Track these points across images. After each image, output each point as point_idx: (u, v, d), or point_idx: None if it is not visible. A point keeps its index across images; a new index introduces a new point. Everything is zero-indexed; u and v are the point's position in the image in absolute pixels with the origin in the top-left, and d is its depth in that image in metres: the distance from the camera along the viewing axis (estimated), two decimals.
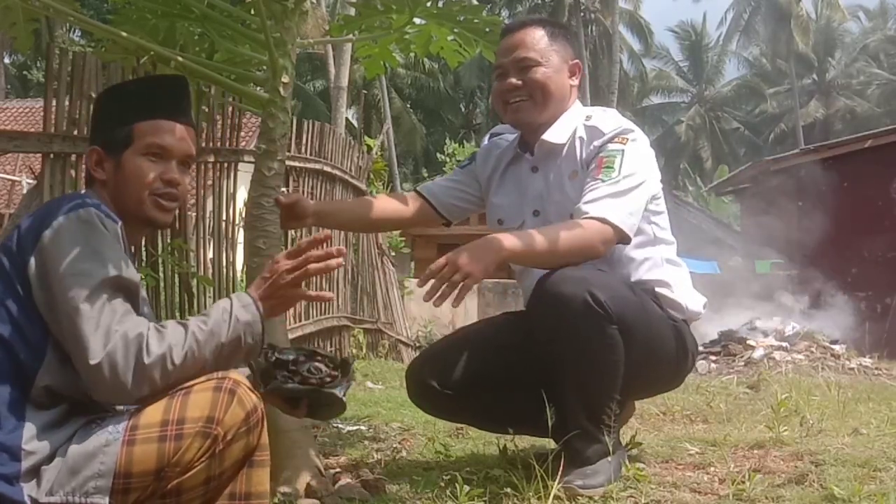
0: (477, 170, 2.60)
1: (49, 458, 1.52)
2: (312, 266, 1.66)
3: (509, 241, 2.15)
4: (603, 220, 2.20)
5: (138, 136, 1.75)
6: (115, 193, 1.75)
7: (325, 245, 1.69)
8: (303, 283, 1.69)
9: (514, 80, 2.39)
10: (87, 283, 1.52)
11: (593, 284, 2.13)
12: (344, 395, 1.73)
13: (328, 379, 1.71)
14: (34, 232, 1.58)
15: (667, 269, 2.41)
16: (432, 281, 2.06)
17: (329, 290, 6.23)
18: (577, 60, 2.47)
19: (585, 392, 2.19)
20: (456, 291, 2.04)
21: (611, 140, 2.31)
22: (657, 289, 2.37)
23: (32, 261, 1.56)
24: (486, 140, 2.66)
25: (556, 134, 2.40)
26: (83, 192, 1.78)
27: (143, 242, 3.52)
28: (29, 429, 1.52)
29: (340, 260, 1.69)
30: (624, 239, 2.26)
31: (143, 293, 1.91)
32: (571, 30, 2.77)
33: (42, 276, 1.55)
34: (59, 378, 1.55)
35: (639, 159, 2.31)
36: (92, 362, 1.49)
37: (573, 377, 2.18)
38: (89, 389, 1.54)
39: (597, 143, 2.33)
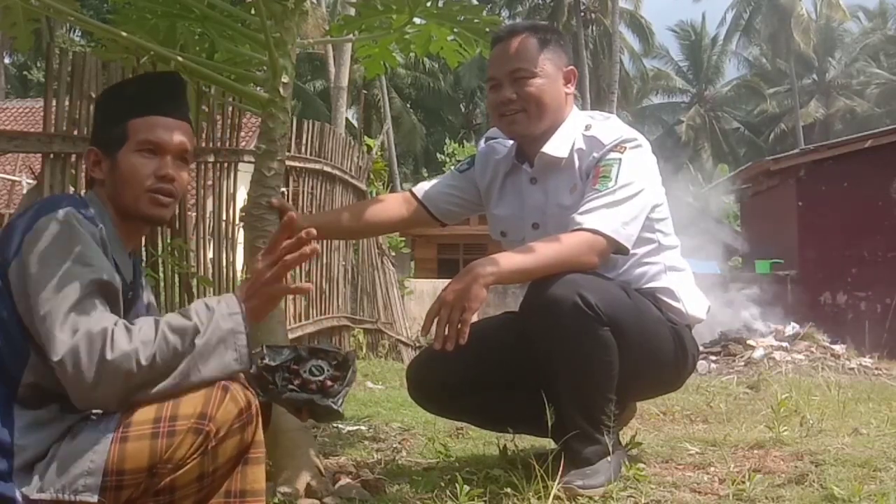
0: (476, 176, 2.57)
1: (42, 455, 1.52)
2: (288, 257, 1.62)
3: (494, 264, 2.13)
4: (595, 231, 2.19)
5: (132, 133, 1.74)
6: (112, 193, 1.75)
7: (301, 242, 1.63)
8: (283, 279, 1.64)
9: (508, 94, 2.35)
10: (62, 283, 1.52)
11: (584, 287, 2.13)
12: (341, 404, 1.73)
13: (329, 382, 1.71)
14: (19, 235, 1.58)
15: (670, 276, 2.39)
16: (434, 327, 2.08)
17: (329, 289, 6.25)
18: (571, 67, 2.43)
19: (580, 394, 2.19)
20: (459, 329, 2.06)
21: (609, 150, 2.29)
22: (658, 294, 2.36)
23: (13, 263, 1.56)
24: (482, 143, 2.63)
25: (556, 147, 2.36)
26: (84, 193, 1.77)
27: (143, 242, 3.52)
28: (20, 426, 1.51)
29: (314, 246, 1.63)
30: (620, 249, 2.25)
31: (151, 298, 1.92)
32: (563, 33, 2.72)
33: (20, 277, 1.55)
34: (45, 376, 1.54)
35: (637, 167, 2.28)
36: (55, 358, 1.47)
37: (567, 379, 2.18)
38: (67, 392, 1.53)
39: (596, 154, 2.30)
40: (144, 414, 1.51)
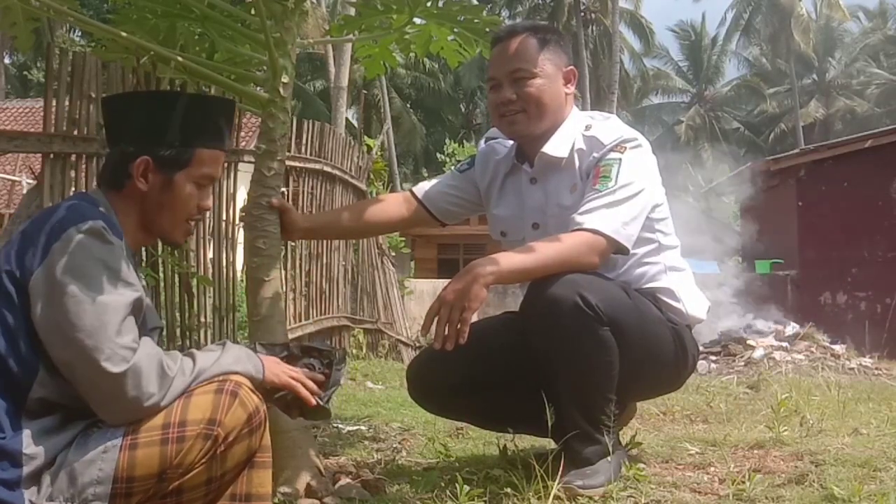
0: (476, 176, 2.57)
1: (49, 464, 1.52)
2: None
3: (494, 264, 2.13)
4: (595, 232, 2.19)
5: (197, 162, 1.75)
6: (150, 207, 1.74)
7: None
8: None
9: (508, 94, 2.36)
10: (107, 299, 1.52)
11: (584, 287, 2.13)
12: (328, 402, 1.74)
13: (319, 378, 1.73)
14: (43, 245, 1.55)
15: (670, 276, 2.39)
16: (434, 327, 2.08)
17: (329, 289, 6.24)
18: (571, 67, 2.43)
19: (580, 393, 2.19)
20: (459, 328, 2.06)
21: (609, 150, 2.29)
22: (658, 294, 2.36)
23: (39, 274, 1.54)
24: (482, 143, 2.63)
25: (556, 147, 2.37)
26: (89, 193, 1.77)
27: None
28: (28, 434, 1.51)
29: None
30: (621, 249, 2.25)
31: (146, 299, 1.92)
32: (563, 34, 2.72)
33: (50, 289, 1.52)
34: (53, 390, 1.55)
35: (637, 167, 2.28)
36: (115, 370, 1.49)
37: (567, 379, 2.18)
38: (96, 403, 1.53)
39: (596, 154, 2.31)
40: (153, 420, 1.53)
